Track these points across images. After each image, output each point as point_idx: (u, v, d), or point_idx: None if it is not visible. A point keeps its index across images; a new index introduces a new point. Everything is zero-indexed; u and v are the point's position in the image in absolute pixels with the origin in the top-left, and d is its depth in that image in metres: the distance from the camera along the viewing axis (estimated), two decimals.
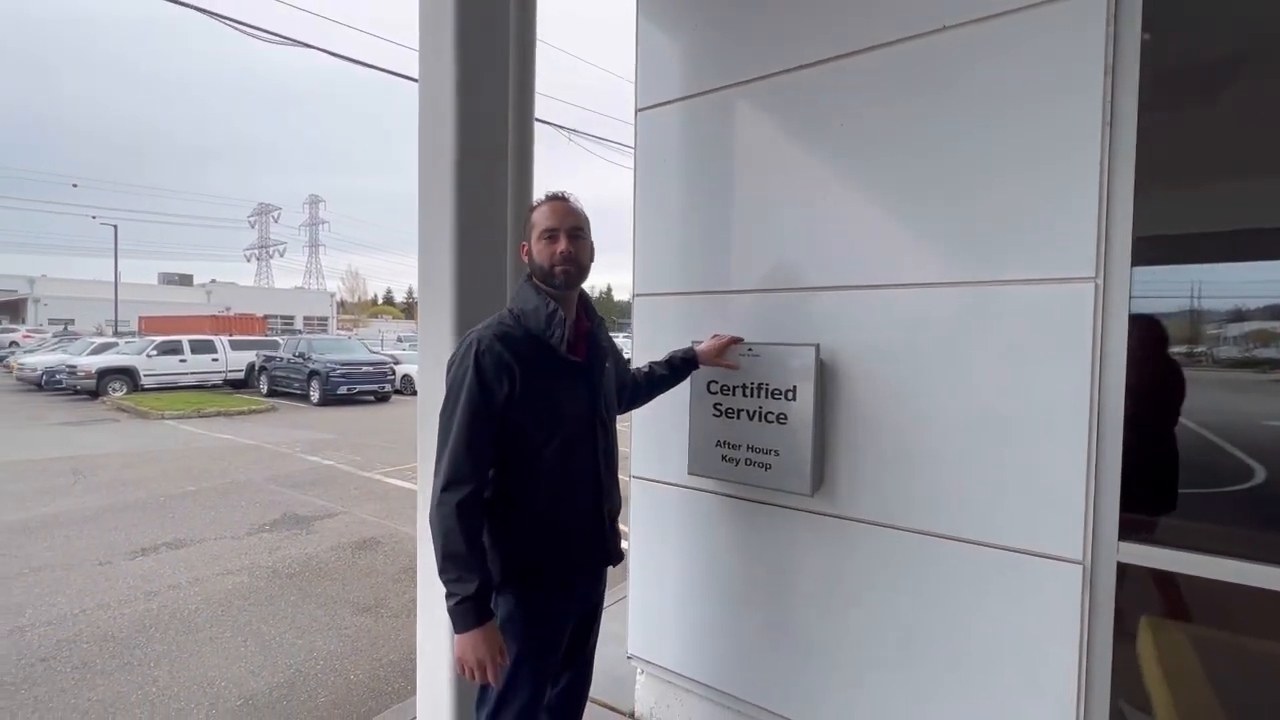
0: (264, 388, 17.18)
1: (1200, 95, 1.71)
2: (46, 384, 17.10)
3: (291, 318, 48.06)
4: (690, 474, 2.21)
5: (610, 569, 1.75)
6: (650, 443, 2.41)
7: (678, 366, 2.01)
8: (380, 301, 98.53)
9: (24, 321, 37.42)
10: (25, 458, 8.47)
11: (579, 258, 1.56)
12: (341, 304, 62.38)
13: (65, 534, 5.29)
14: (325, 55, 7.61)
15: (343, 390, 15.11)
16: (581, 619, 1.69)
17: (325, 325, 48.97)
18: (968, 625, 1.78)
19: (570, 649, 1.68)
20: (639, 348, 2.47)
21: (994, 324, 1.72)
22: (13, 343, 28.58)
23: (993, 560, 1.73)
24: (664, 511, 2.37)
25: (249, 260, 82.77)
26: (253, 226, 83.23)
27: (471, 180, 2.00)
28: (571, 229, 1.56)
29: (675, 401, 2.23)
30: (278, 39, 7.03)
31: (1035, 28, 1.66)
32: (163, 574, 4.46)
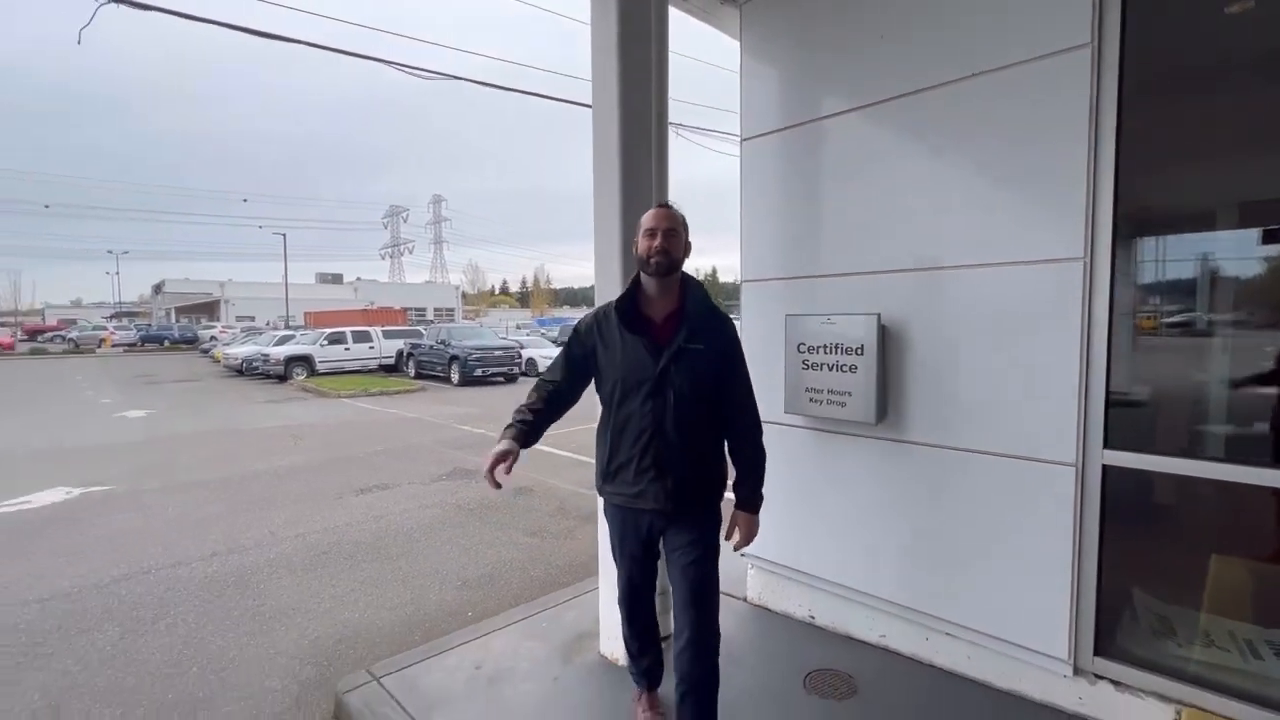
0: (412, 371, 19.61)
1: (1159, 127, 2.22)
2: (245, 370, 20.64)
3: (423, 309, 52.95)
4: (786, 413, 2.99)
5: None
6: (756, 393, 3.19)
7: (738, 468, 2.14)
8: (497, 292, 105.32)
9: (218, 319, 44.42)
10: (254, 427, 10.72)
11: (671, 251, 1.97)
12: (464, 295, 67.42)
13: (304, 478, 6.96)
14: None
15: (478, 372, 17.01)
16: (670, 542, 2.06)
17: (452, 315, 53.46)
18: (994, 514, 2.43)
19: (672, 565, 2.07)
20: (749, 319, 3.25)
21: (1009, 293, 2.35)
22: (212, 337, 34.28)
23: (1012, 466, 2.37)
24: (767, 442, 3.15)
25: (383, 258, 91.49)
26: (385, 227, 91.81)
27: (630, 178, 2.69)
28: (667, 230, 1.98)
29: (771, 358, 3.01)
30: (430, 74, 8.38)
31: (1039, 74, 2.25)
32: (381, 506, 5.88)
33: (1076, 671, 2.29)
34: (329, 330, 21.65)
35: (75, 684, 2.93)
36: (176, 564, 4.45)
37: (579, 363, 2.11)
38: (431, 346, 19.00)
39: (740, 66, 3.26)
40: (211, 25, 6.52)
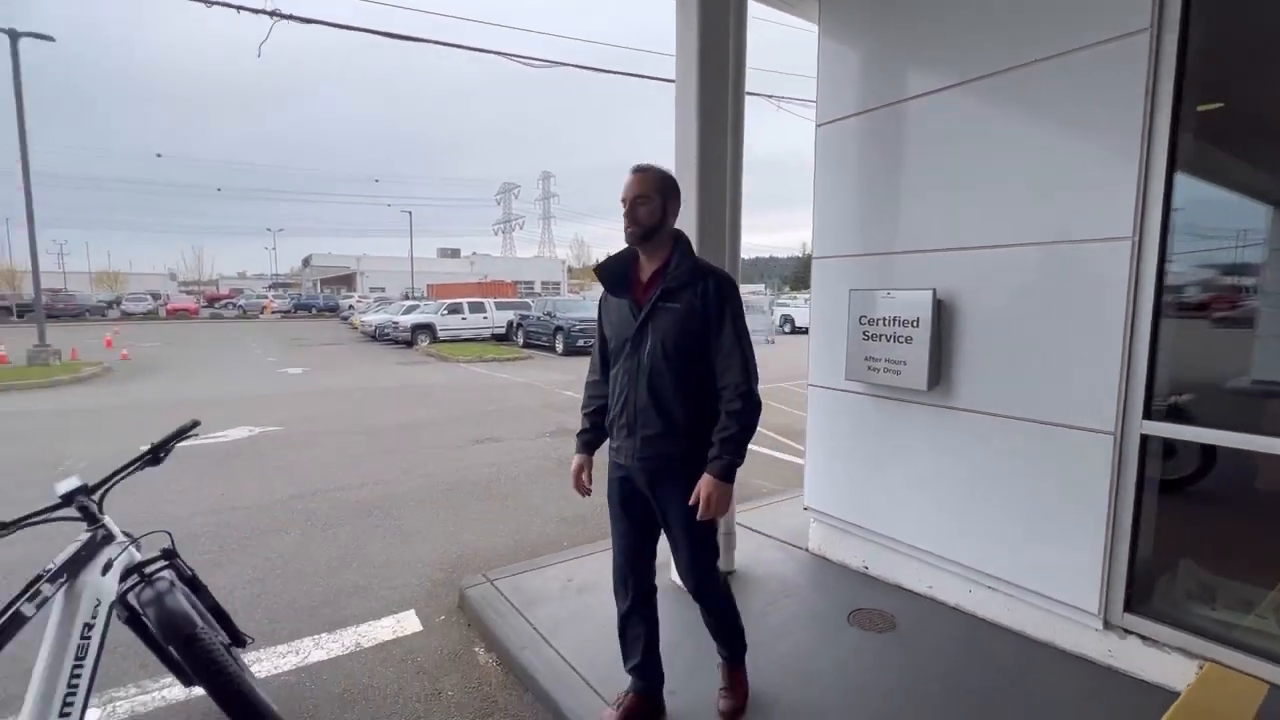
0: (520, 340, 21.00)
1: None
2: (378, 336, 23.03)
3: (531, 282, 55.55)
4: (846, 379, 3.26)
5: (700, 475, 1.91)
6: (820, 362, 3.48)
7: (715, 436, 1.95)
8: None
9: (355, 290, 49.31)
10: (388, 384, 12.19)
11: (640, 220, 1.94)
12: (569, 269, 69.76)
13: (430, 430, 7.99)
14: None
15: (581, 342, 17.93)
16: (653, 498, 2.07)
17: (558, 289, 55.69)
18: (1036, 477, 2.61)
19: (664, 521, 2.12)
20: (818, 293, 3.52)
21: (1058, 271, 2.49)
22: (350, 306, 38.29)
23: (1054, 433, 2.54)
24: (829, 406, 3.45)
25: (495, 233, 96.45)
26: (498, 203, 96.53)
27: (706, 148, 3.03)
28: (635, 197, 1.93)
29: (835, 329, 3.27)
30: (544, 63, 8.99)
31: (1095, 60, 2.34)
32: (492, 455, 6.71)
33: (1106, 626, 2.45)
34: (449, 301, 23.58)
35: (273, 567, 3.85)
36: (336, 489, 5.44)
37: (606, 338, 2.17)
38: (539, 318, 20.22)
39: (818, 53, 3.47)
40: (355, 31, 7.47)
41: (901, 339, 2.96)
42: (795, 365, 15.14)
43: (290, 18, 6.49)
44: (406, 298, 33.87)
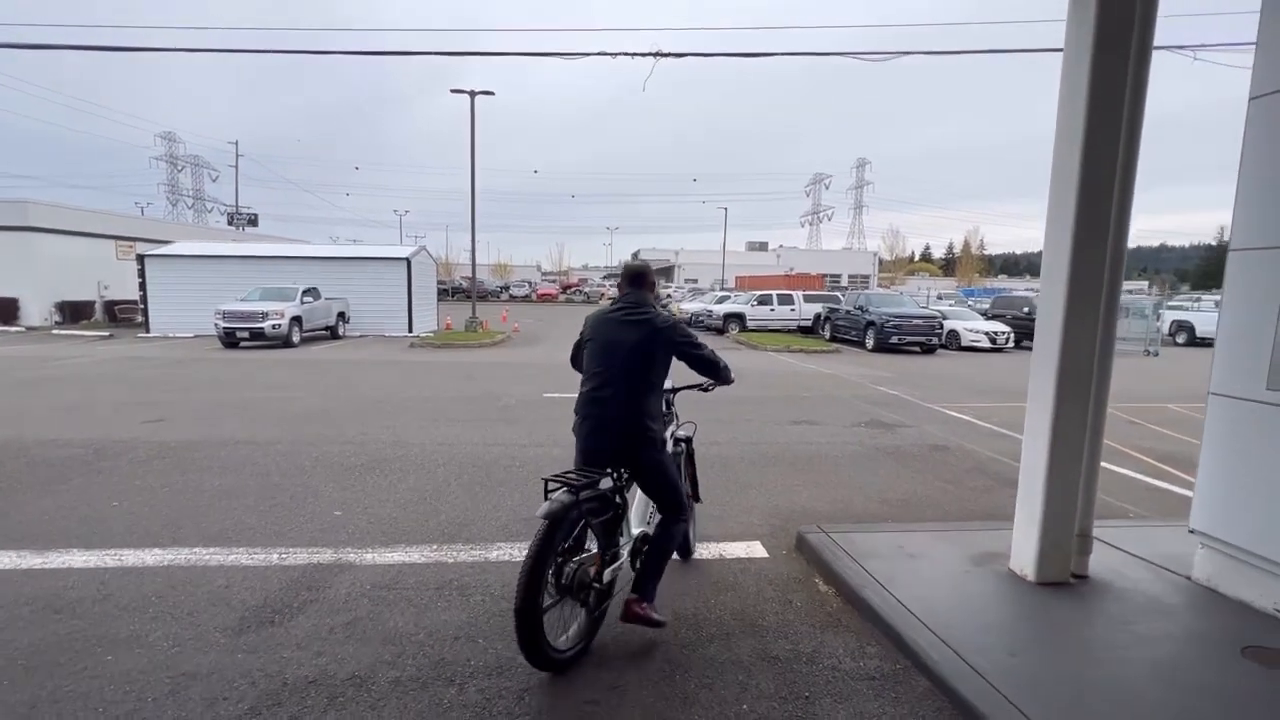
0: (827, 333, 20.96)
1: None
2: (693, 322, 25.48)
3: (838, 276, 54.10)
4: (1268, 389, 2.82)
5: None
6: (1229, 369, 3.05)
7: None
8: (917, 259, 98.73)
9: (672, 281, 54.97)
10: None
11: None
12: (880, 262, 65.78)
13: (750, 407, 8.86)
14: None
15: (894, 340, 17.16)
16: None
17: (867, 282, 53.11)
18: None
19: None
20: (1231, 289, 3.08)
21: None
22: (668, 295, 42.95)
23: None
24: (1238, 419, 3.01)
25: (802, 225, 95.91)
26: (807, 195, 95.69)
27: (1095, 114, 2.98)
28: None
29: (1256, 335, 2.85)
30: (883, 55, 8.96)
31: None
32: (810, 436, 7.19)
33: None
34: (758, 293, 24.81)
35: None
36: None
37: None
38: (848, 312, 19.90)
39: (1261, 11, 3.01)
40: (715, 57, 8.57)
41: None
42: (1184, 384, 12.09)
43: (668, 55, 7.88)
44: (711, 287, 36.52)
